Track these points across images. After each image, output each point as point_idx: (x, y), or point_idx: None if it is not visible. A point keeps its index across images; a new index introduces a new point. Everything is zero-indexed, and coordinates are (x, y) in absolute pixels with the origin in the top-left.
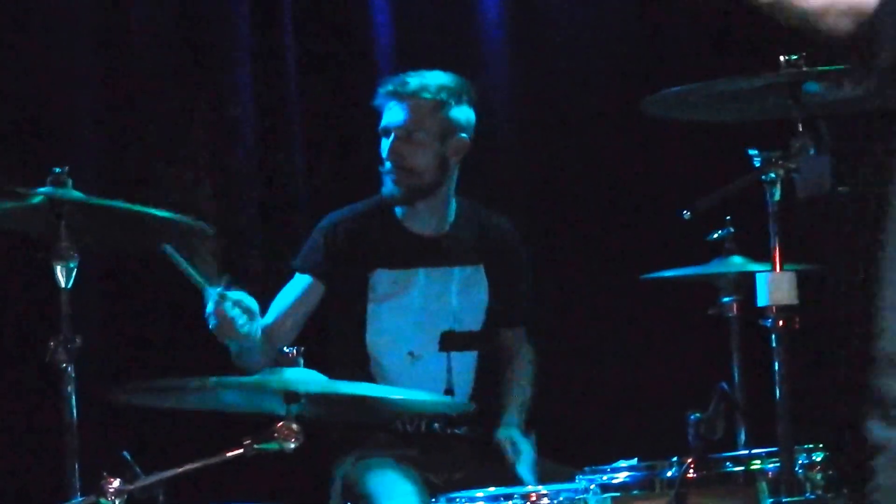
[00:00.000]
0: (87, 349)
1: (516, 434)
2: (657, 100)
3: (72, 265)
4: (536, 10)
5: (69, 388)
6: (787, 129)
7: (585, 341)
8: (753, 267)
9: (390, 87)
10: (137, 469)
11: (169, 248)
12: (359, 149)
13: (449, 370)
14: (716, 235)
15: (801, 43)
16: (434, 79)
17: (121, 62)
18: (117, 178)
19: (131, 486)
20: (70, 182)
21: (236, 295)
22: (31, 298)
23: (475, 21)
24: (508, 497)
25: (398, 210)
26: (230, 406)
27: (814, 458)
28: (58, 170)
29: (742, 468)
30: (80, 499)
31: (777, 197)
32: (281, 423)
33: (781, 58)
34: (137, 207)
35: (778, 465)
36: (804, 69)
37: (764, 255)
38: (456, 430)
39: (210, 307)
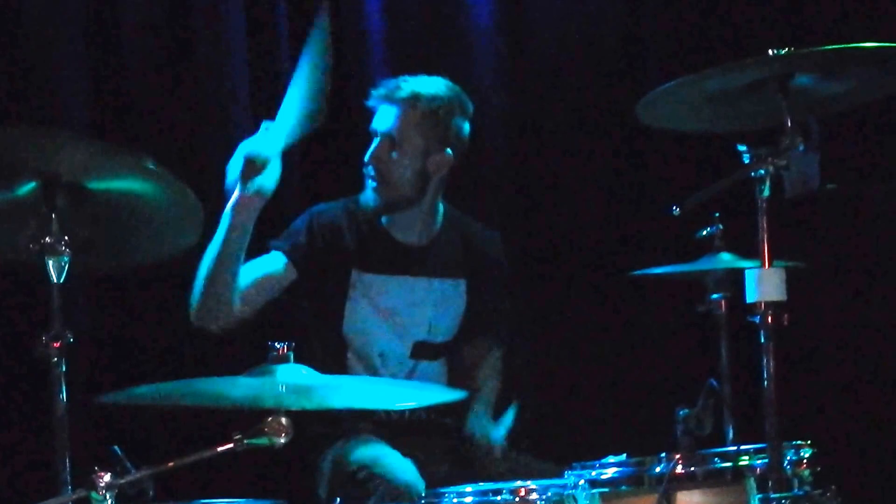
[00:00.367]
0: (77, 344)
1: (486, 423)
2: (648, 103)
3: (64, 260)
4: (526, 12)
5: (60, 383)
6: (777, 125)
7: (575, 338)
8: (742, 263)
9: (383, 91)
10: (128, 463)
11: None
12: (351, 151)
13: (412, 373)
14: (705, 232)
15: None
16: (428, 88)
17: (111, 60)
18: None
19: (122, 481)
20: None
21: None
22: (23, 293)
23: (466, 25)
24: (497, 492)
25: (384, 217)
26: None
27: (802, 454)
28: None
29: (730, 464)
30: (70, 493)
31: (766, 193)
32: (271, 419)
33: (770, 51)
34: (127, 185)
35: (766, 461)
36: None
37: (753, 252)
38: (443, 421)
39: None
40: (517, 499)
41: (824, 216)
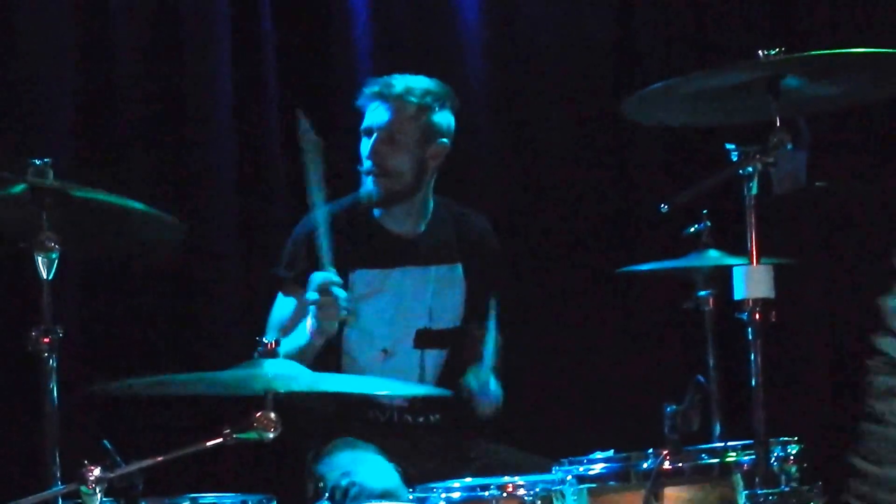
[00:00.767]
0: (68, 339)
1: (484, 378)
2: (636, 101)
3: (53, 256)
4: (514, 9)
5: (50, 378)
6: (765, 124)
7: (562, 334)
8: (730, 261)
9: (376, 88)
10: (117, 457)
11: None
12: (337, 150)
13: (422, 367)
14: (692, 229)
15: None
16: (418, 83)
17: (99, 57)
18: (96, 171)
19: (111, 474)
20: (51, 174)
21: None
22: (13, 288)
23: (453, 21)
24: (485, 488)
25: (375, 210)
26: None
27: (789, 450)
28: (38, 162)
29: (717, 460)
30: (61, 486)
31: (754, 191)
32: (260, 413)
33: (760, 52)
34: (117, 199)
35: (753, 457)
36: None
37: (740, 249)
38: (431, 418)
39: (316, 288)
40: (505, 494)
41: (812, 213)
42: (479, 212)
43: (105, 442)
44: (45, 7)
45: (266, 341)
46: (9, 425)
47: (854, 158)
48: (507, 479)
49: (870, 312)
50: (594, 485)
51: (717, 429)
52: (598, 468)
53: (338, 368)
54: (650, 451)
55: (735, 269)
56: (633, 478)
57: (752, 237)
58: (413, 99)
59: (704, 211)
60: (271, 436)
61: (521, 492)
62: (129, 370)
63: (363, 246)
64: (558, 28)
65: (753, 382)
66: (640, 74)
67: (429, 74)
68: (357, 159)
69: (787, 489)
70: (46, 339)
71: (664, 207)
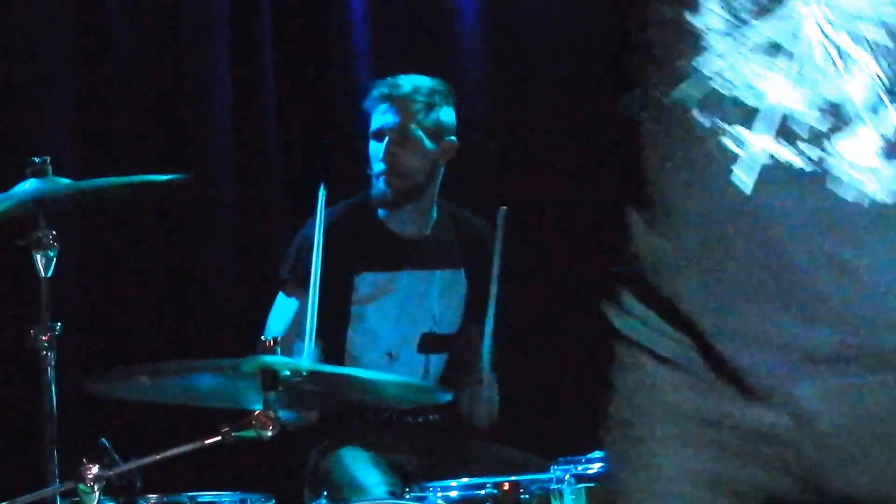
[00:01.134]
0: (67, 336)
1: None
2: (633, 99)
3: (52, 254)
4: (513, 8)
5: (49, 376)
6: None
7: (560, 331)
8: None
9: (384, 90)
10: (115, 456)
11: None
12: (335, 152)
13: (426, 371)
14: None
15: None
16: (423, 81)
17: (98, 51)
18: (95, 170)
19: (109, 472)
20: (50, 171)
21: None
22: (11, 285)
23: (451, 20)
24: (481, 486)
25: (381, 211)
26: (206, 397)
27: None
28: (37, 159)
29: None
30: (58, 485)
31: None
32: (258, 412)
33: None
34: (115, 180)
35: None
36: None
37: None
38: (429, 418)
39: None
40: (501, 493)
41: None
42: (478, 215)
43: (103, 440)
44: (43, 3)
45: (265, 339)
46: (7, 423)
47: None
48: (504, 478)
49: None
50: (592, 484)
51: None
52: (596, 467)
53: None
54: None
55: None
56: None
57: None
58: (421, 98)
59: None
60: (270, 434)
61: (519, 491)
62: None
63: (368, 248)
64: (557, 27)
65: None
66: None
67: (428, 73)
68: (360, 160)
69: None
70: (45, 336)
71: None
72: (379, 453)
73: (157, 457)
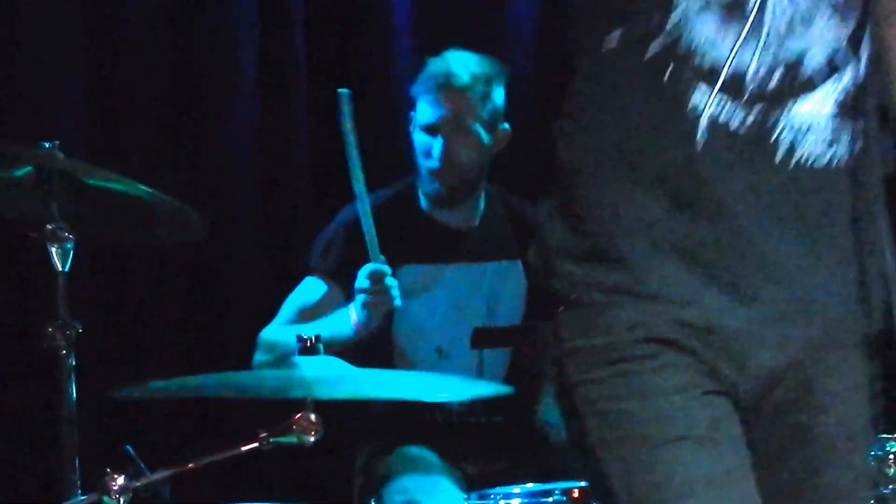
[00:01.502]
0: (87, 335)
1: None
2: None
3: (68, 246)
4: None
5: (68, 377)
6: None
7: None
8: None
9: (440, 80)
10: (142, 464)
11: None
12: (370, 138)
13: (480, 368)
14: None
15: None
16: (478, 66)
17: (112, 30)
18: (107, 156)
19: (136, 483)
20: (60, 156)
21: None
22: (27, 281)
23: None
24: (548, 493)
25: (424, 201)
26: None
27: (888, 448)
28: (47, 144)
29: None
30: (81, 497)
31: None
32: (299, 415)
33: None
34: (131, 186)
35: None
36: None
37: None
38: (492, 419)
39: (368, 276)
40: (570, 501)
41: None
42: (535, 203)
43: (128, 447)
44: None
45: (306, 337)
46: (24, 430)
47: None
48: (573, 483)
49: None
50: None
51: None
52: None
53: (390, 366)
54: None
55: None
56: None
57: None
58: (480, 88)
59: None
60: (312, 440)
61: (590, 498)
62: (154, 369)
63: (412, 239)
64: None
65: None
66: None
67: (473, 48)
68: (401, 147)
69: (886, 491)
70: (63, 336)
71: None
72: (437, 455)
73: (189, 465)
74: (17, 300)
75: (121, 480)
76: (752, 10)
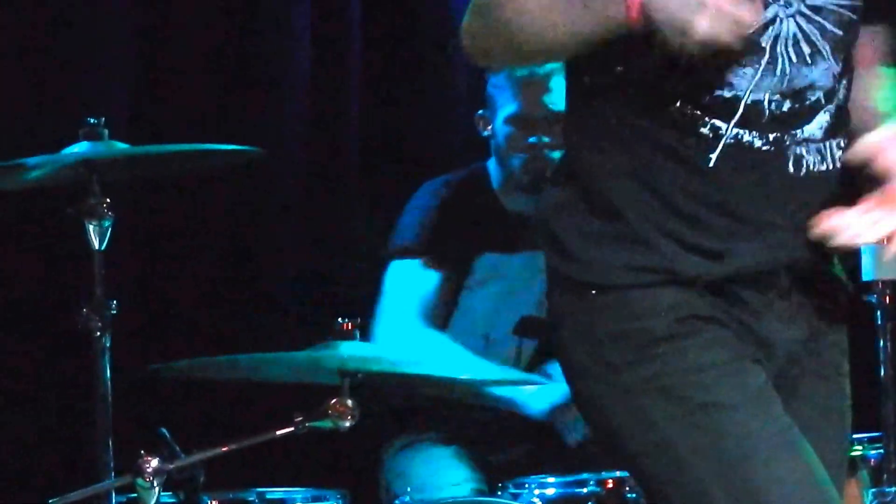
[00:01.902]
0: (122, 316)
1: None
2: None
3: (106, 224)
4: None
5: (103, 359)
6: None
7: None
8: None
9: (539, 72)
10: (176, 447)
11: None
12: (416, 123)
13: (518, 356)
14: None
15: None
16: None
17: (160, 6)
18: (153, 132)
19: (170, 466)
20: (106, 134)
21: None
22: (62, 260)
23: None
24: (583, 483)
25: (495, 184)
26: (279, 378)
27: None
28: (92, 120)
29: None
30: (114, 479)
31: None
32: (335, 400)
33: None
34: (176, 148)
35: (881, 451)
36: None
37: None
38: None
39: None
40: (605, 491)
41: None
42: None
43: (162, 430)
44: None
45: (342, 322)
46: (58, 411)
47: None
48: (608, 474)
49: None
50: None
51: None
52: None
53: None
54: None
55: (863, 248)
56: None
57: None
58: (555, 76)
59: None
60: (347, 425)
61: (625, 489)
62: (189, 350)
63: (487, 228)
64: None
65: (882, 370)
66: None
67: None
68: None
69: None
70: (99, 316)
71: None
72: (463, 447)
73: (224, 449)
74: (52, 279)
75: (154, 463)
76: (766, 47)
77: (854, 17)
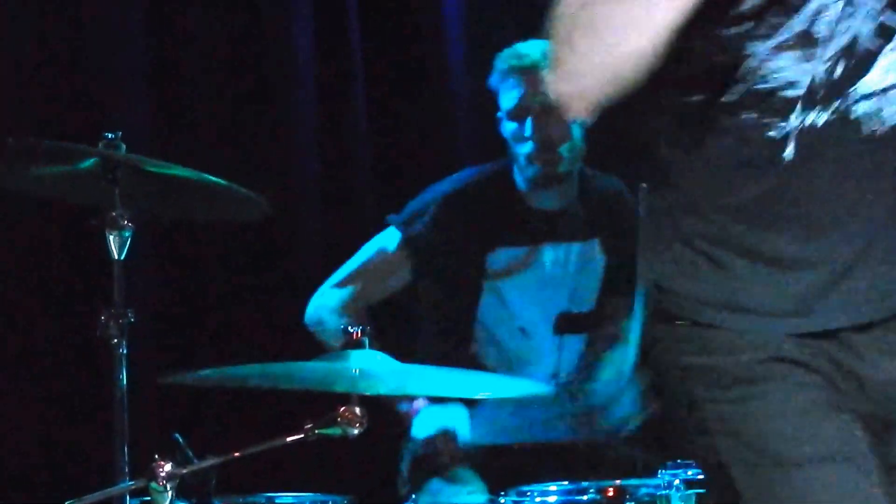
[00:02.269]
0: (139, 324)
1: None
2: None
3: (126, 234)
4: None
5: (120, 365)
6: None
7: None
8: None
9: (513, 62)
10: (190, 452)
11: None
12: (424, 127)
13: (559, 354)
14: None
15: None
16: (545, 44)
17: (174, 22)
18: (170, 146)
19: (183, 471)
20: (123, 147)
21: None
22: (82, 269)
23: None
24: (583, 491)
25: (521, 183)
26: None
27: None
28: (110, 135)
29: None
30: (129, 482)
31: None
32: (344, 408)
33: None
34: (194, 174)
35: None
36: None
37: None
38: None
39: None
40: (605, 499)
41: None
42: (607, 173)
43: (176, 435)
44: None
45: (351, 331)
46: (75, 416)
47: None
48: (608, 482)
49: None
50: (703, 490)
51: None
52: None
53: (467, 336)
54: None
55: None
56: None
57: None
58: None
59: None
60: (356, 432)
61: (625, 496)
62: (205, 359)
63: (506, 224)
64: None
65: None
66: None
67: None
68: (502, 144)
69: None
70: (116, 324)
71: None
72: (469, 454)
73: (235, 454)
74: (71, 288)
75: (168, 467)
76: (817, 34)
77: None
